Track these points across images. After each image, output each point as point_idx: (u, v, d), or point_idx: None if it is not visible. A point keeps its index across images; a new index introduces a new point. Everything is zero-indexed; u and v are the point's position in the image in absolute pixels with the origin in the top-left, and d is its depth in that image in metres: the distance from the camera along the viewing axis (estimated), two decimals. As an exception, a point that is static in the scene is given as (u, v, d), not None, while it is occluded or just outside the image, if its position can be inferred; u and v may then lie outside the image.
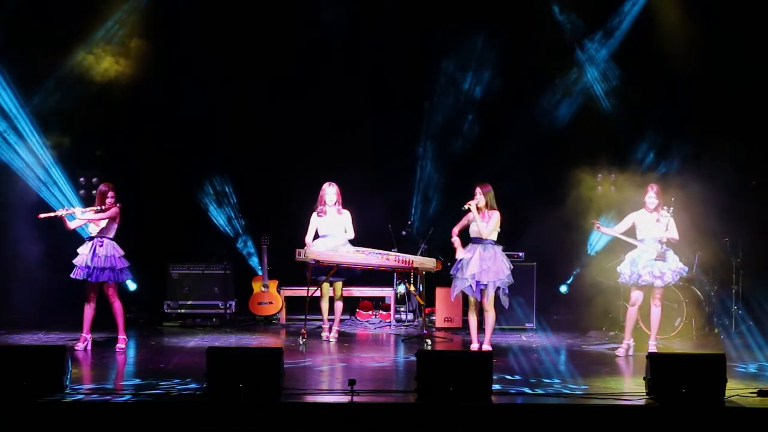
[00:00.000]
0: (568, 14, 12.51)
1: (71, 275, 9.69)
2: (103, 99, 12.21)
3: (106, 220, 9.67)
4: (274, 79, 12.63)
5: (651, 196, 9.74)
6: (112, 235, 9.74)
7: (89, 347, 9.73)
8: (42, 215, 9.71)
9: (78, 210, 9.69)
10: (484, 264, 9.37)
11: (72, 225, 9.73)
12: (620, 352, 9.78)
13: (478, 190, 9.55)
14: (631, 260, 9.78)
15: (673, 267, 9.67)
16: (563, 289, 12.28)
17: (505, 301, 9.66)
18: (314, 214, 10.60)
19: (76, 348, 9.57)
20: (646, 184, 10.01)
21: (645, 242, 9.70)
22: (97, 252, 9.59)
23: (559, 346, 10.43)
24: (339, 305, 10.82)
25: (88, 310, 9.74)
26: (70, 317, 10.88)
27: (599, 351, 10.15)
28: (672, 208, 9.60)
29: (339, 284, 10.77)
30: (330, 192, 10.59)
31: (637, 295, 9.79)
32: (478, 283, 9.38)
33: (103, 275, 9.59)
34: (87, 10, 12.13)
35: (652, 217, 9.72)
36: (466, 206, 9.46)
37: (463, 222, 9.57)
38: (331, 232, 10.53)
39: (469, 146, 12.69)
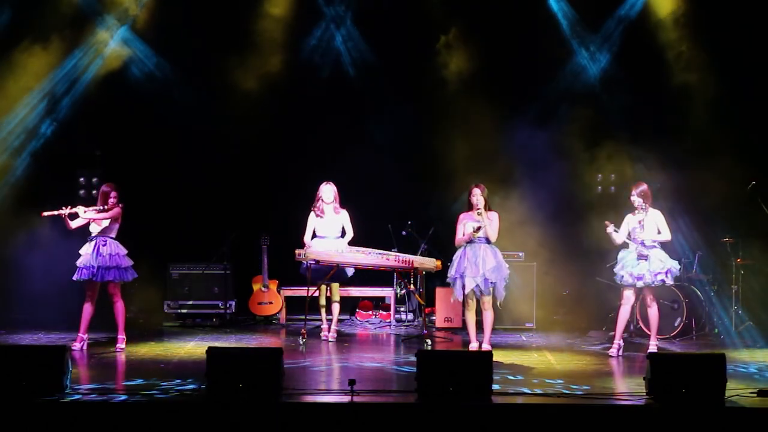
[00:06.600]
0: (569, 19, 12.53)
1: (74, 277, 9.69)
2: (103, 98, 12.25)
3: (108, 220, 9.69)
4: (273, 78, 12.61)
5: (633, 195, 9.65)
6: (114, 234, 9.76)
7: (85, 347, 9.72)
8: (45, 213, 9.74)
9: (80, 209, 9.69)
10: (491, 262, 9.34)
11: (73, 224, 9.73)
12: (613, 352, 9.73)
13: (476, 191, 9.43)
14: (619, 260, 9.73)
15: (653, 269, 9.51)
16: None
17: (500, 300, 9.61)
18: (312, 214, 10.60)
19: (73, 348, 9.54)
20: (633, 183, 9.96)
21: (629, 242, 9.65)
22: (101, 251, 9.59)
23: (558, 346, 10.44)
24: (336, 306, 10.82)
25: (87, 311, 9.73)
26: (70, 317, 10.87)
27: (599, 351, 10.14)
28: (647, 205, 9.52)
29: (335, 286, 10.77)
30: (327, 191, 10.57)
31: (628, 295, 9.69)
32: (486, 281, 9.34)
33: (108, 274, 9.59)
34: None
35: (635, 217, 9.66)
36: (476, 216, 9.37)
37: (460, 229, 9.50)
38: (328, 232, 10.53)
39: (469, 144, 12.68)
